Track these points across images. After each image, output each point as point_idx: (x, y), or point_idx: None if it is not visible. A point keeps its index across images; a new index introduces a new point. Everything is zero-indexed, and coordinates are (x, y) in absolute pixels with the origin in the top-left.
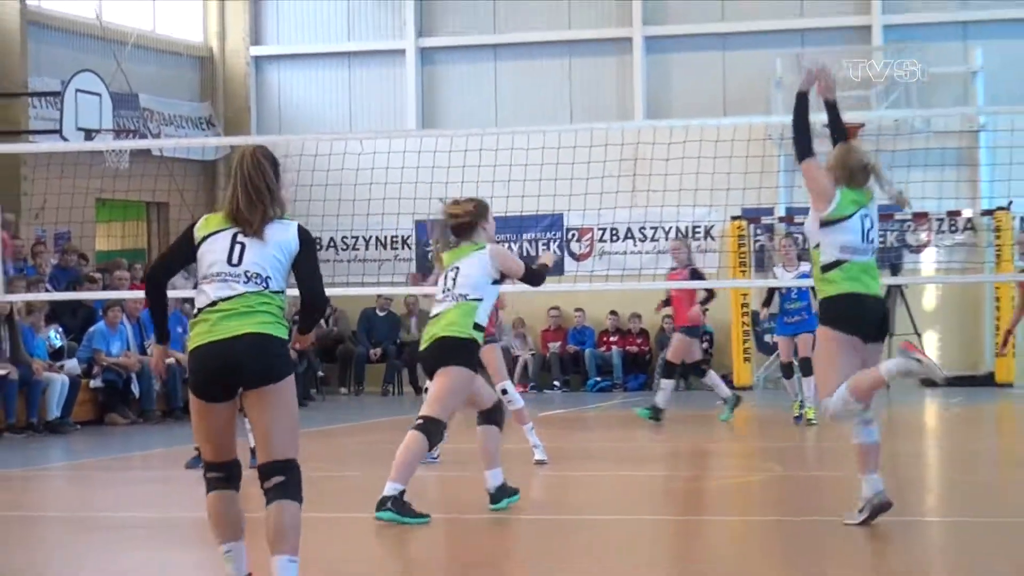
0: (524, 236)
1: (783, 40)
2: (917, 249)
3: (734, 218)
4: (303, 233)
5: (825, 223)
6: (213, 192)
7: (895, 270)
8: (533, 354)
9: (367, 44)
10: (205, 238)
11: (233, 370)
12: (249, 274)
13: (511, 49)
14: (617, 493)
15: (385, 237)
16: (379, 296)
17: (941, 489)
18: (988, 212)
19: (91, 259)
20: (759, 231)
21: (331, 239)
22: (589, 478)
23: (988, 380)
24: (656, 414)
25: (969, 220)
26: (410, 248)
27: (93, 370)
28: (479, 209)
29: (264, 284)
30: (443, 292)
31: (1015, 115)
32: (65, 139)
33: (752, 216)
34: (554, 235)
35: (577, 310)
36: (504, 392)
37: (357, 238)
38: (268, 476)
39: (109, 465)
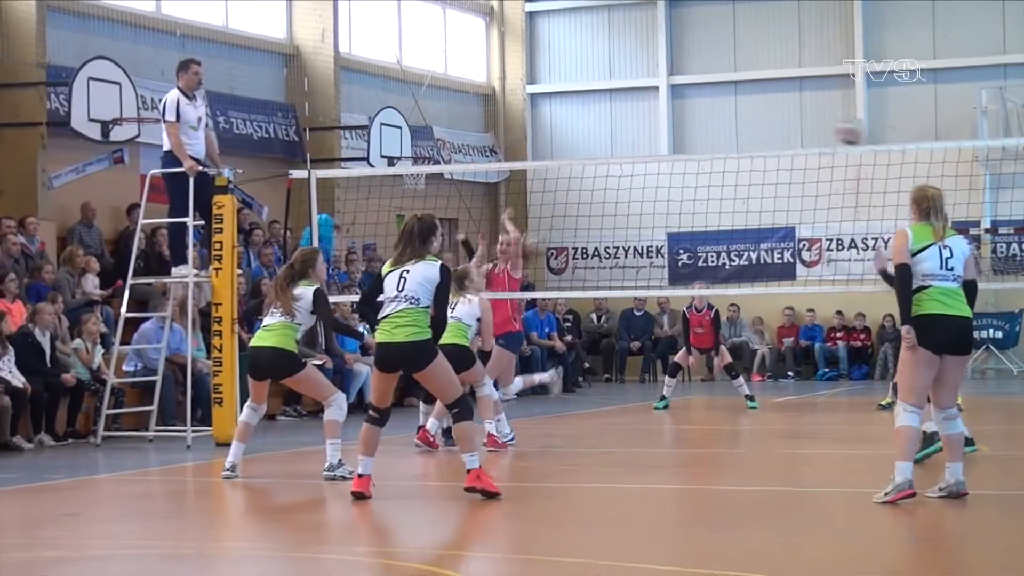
0: (761, 246)
1: (987, 74)
2: None
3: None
4: (443, 270)
5: (911, 256)
6: (495, 209)
7: None
8: (770, 348)
9: (625, 82)
10: (387, 274)
11: (401, 364)
12: (407, 296)
13: (749, 84)
14: (841, 470)
15: (641, 247)
16: (636, 298)
17: None
18: None
19: None
20: (968, 241)
21: (595, 249)
22: (816, 456)
23: None
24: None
25: None
26: (663, 257)
27: None
28: None
29: (415, 302)
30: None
31: None
32: (371, 165)
33: (961, 228)
34: (787, 245)
35: (808, 310)
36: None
37: (618, 248)
38: (449, 410)
39: (406, 441)
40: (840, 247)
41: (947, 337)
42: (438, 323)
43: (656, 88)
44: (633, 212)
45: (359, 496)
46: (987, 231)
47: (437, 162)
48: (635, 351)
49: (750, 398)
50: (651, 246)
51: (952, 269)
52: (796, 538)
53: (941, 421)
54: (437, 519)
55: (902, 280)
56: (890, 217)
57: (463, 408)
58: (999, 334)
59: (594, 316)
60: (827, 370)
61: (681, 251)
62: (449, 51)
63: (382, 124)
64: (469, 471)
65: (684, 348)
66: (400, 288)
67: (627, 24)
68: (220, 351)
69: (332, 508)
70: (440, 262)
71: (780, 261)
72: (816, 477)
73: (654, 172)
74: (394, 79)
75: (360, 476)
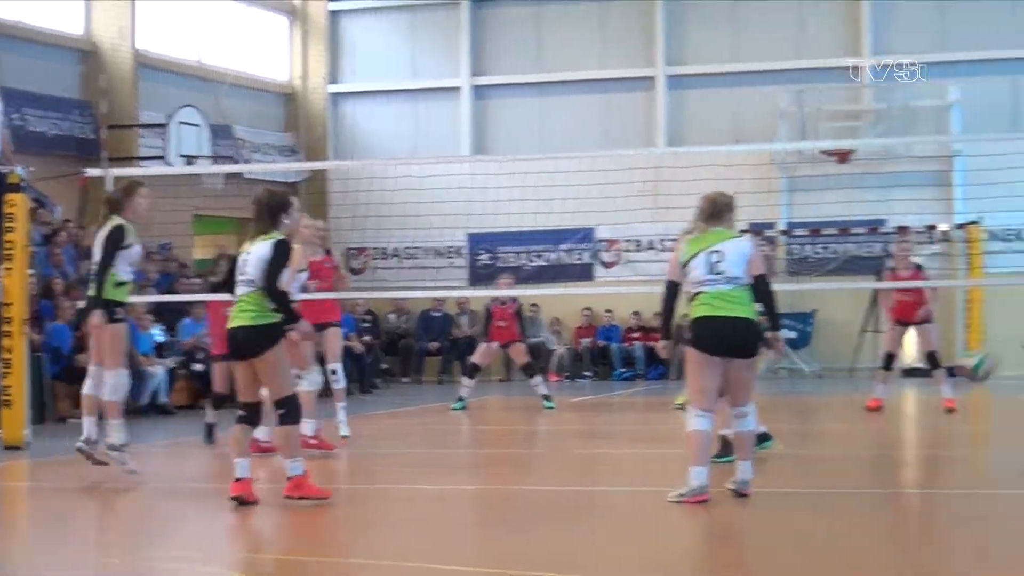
0: (560, 247)
1: (786, 78)
2: None
3: (742, 231)
4: (275, 246)
5: (682, 267)
6: None
7: (878, 275)
8: (567, 348)
9: (429, 82)
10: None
11: (238, 348)
12: (246, 280)
13: (552, 86)
14: (637, 469)
15: (442, 247)
16: (435, 298)
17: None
18: (960, 226)
19: (191, 266)
20: (762, 243)
21: (395, 249)
22: (612, 455)
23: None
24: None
25: (944, 232)
26: (463, 257)
27: (197, 355)
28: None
29: (252, 285)
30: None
31: (984, 142)
32: (169, 164)
33: (757, 229)
34: (586, 246)
35: (606, 310)
36: (334, 372)
37: (418, 248)
38: (276, 408)
39: (199, 443)
40: (638, 248)
41: (721, 338)
42: (275, 299)
43: (459, 89)
44: (434, 212)
45: (242, 501)
46: (783, 233)
47: (236, 161)
48: (433, 352)
49: (547, 398)
50: (451, 246)
51: (721, 273)
52: (594, 537)
53: (733, 419)
54: (235, 521)
55: (664, 296)
56: (688, 218)
57: (291, 409)
58: (793, 334)
59: (392, 316)
60: (624, 370)
61: (481, 251)
62: (250, 49)
63: (181, 123)
64: (291, 478)
65: (484, 345)
66: (242, 272)
67: (430, 24)
68: (10, 352)
69: (140, 512)
70: (278, 238)
71: (579, 262)
72: (613, 477)
73: (456, 172)
74: (194, 77)
75: (239, 480)
